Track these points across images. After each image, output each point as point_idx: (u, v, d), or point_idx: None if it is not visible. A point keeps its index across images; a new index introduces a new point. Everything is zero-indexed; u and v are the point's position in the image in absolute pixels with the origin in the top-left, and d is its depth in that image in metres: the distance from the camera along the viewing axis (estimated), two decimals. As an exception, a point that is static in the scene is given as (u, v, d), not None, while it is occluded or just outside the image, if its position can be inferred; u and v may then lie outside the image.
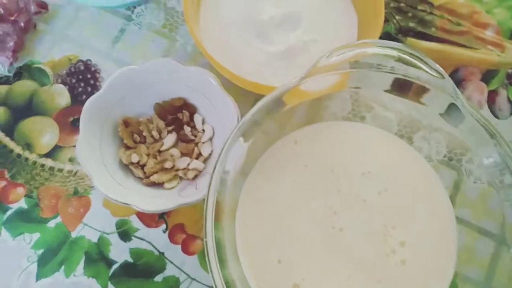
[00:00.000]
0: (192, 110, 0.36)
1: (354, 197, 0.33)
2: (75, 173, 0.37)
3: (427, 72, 0.28)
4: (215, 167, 0.28)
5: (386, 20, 0.40)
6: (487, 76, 0.38)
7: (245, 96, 0.34)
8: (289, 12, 0.35)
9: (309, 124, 0.36)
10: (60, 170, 0.37)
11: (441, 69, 0.28)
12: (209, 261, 0.26)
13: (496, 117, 0.38)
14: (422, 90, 0.30)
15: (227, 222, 0.32)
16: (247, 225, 0.33)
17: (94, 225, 0.35)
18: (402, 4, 0.40)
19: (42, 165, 0.37)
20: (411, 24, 0.39)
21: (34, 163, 0.37)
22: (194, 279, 0.34)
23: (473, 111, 0.29)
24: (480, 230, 0.33)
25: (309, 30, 0.35)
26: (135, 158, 0.35)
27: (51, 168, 0.37)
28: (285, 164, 0.34)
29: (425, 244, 0.32)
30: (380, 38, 0.39)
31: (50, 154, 0.37)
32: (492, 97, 0.38)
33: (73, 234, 0.35)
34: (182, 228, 0.36)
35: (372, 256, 0.32)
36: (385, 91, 0.35)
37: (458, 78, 0.38)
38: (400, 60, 0.28)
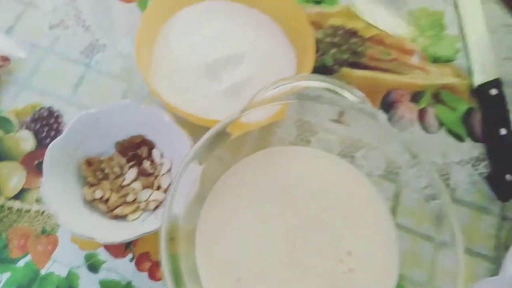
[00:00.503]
0: (150, 145, 0.40)
1: (304, 215, 0.36)
2: (42, 212, 0.39)
3: (346, 97, 0.32)
4: (168, 195, 0.30)
5: (323, 54, 0.44)
6: (416, 96, 0.43)
7: (200, 130, 0.38)
8: (233, 53, 0.39)
9: (259, 149, 0.39)
10: (28, 211, 0.39)
11: (361, 94, 0.32)
12: (168, 283, 0.29)
13: (427, 132, 0.42)
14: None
15: (186, 248, 0.35)
16: (206, 249, 0.35)
17: (63, 260, 0.37)
18: (336, 39, 0.45)
19: (10, 208, 0.39)
20: (345, 56, 0.44)
21: (2, 206, 0.39)
22: (160, 304, 0.36)
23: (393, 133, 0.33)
24: (420, 235, 0.36)
25: (251, 67, 0.39)
26: (98, 194, 0.37)
27: (19, 210, 0.39)
28: (239, 189, 0.37)
29: (370, 252, 0.35)
30: (318, 70, 0.43)
31: (17, 196, 0.39)
32: (422, 115, 0.43)
33: (43, 271, 0.37)
34: (147, 256, 0.38)
35: (324, 267, 0.34)
36: (327, 117, 0.40)
37: (390, 101, 0.43)
38: (327, 89, 0.32)
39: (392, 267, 0.35)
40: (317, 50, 0.42)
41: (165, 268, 0.29)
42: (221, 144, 0.33)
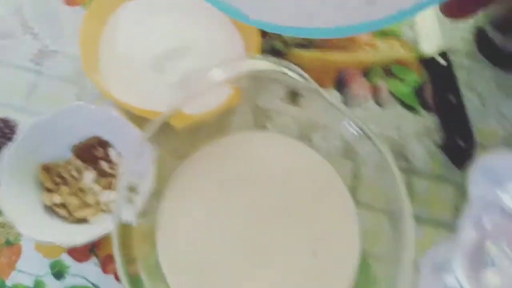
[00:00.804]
0: (106, 146, 0.39)
1: (265, 202, 0.36)
2: (4, 224, 0.39)
3: (294, 78, 0.33)
4: (117, 196, 0.30)
5: (271, 37, 0.44)
6: (368, 73, 0.44)
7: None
8: (180, 45, 0.39)
9: (216, 138, 0.39)
10: (-13, 224, 0.38)
11: (304, 74, 0.32)
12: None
13: (381, 107, 0.43)
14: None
15: (147, 247, 0.35)
16: (168, 245, 0.35)
17: (28, 270, 0.37)
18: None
19: (-32, 222, 0.38)
20: (293, 37, 0.44)
21: (-41, 221, 0.38)
22: (130, 302, 0.36)
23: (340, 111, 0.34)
24: (380, 211, 0.36)
25: (199, 58, 0.39)
26: (57, 199, 0.37)
27: (-22, 223, 0.38)
28: (196, 181, 0.37)
29: (332, 233, 0.36)
30: (268, 52, 0.44)
31: (-24, 211, 0.39)
32: (375, 90, 0.43)
33: (8, 283, 0.36)
34: (112, 258, 0.38)
35: (288, 251, 0.35)
36: (281, 100, 0.40)
37: (342, 79, 0.43)
38: (276, 71, 0.33)
39: (354, 245, 0.36)
40: (265, 34, 0.42)
41: (120, 272, 0.29)
42: (170, 138, 0.33)
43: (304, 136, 0.40)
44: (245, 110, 0.42)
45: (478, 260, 0.34)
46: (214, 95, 0.35)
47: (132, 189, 0.32)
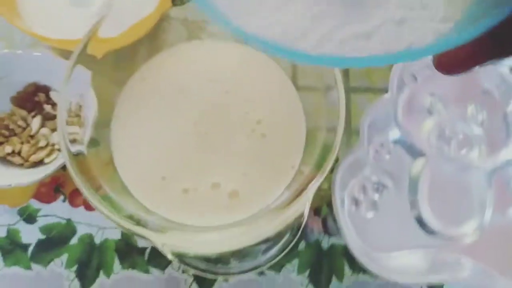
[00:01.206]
0: (46, 89, 0.39)
1: (209, 103, 0.37)
2: (-37, 186, 0.39)
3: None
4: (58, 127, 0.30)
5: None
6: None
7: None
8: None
9: (151, 57, 0.40)
10: None
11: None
12: (97, 208, 0.30)
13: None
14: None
15: (109, 172, 0.36)
16: (126, 165, 0.36)
17: (-2, 223, 0.38)
18: None
19: None
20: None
21: None
22: (104, 228, 0.38)
23: None
24: (319, 89, 0.38)
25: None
26: (8, 149, 0.37)
27: None
28: (140, 100, 0.38)
29: (278, 116, 0.37)
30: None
31: None
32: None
33: (-19, 238, 0.37)
34: (78, 192, 0.38)
35: (238, 141, 0.36)
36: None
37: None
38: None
39: (300, 124, 0.37)
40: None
41: (90, 199, 0.30)
42: (99, 64, 0.33)
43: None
44: (175, 26, 0.42)
45: (415, 111, 0.36)
46: (137, 8, 0.35)
47: (74, 116, 0.32)
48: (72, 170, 0.31)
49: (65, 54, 0.37)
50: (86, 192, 0.31)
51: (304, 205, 0.30)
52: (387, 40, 0.17)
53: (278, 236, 0.41)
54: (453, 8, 0.17)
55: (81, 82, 0.33)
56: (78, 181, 0.31)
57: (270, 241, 0.41)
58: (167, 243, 0.31)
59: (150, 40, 0.41)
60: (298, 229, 0.41)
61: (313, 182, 0.29)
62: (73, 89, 0.32)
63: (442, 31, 0.17)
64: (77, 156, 0.32)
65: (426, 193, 0.35)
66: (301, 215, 0.40)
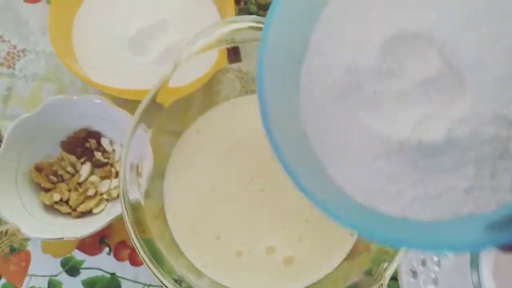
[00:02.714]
0: (97, 136, 0.38)
1: (266, 158, 0.36)
2: (6, 232, 0.37)
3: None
4: (120, 180, 0.30)
5: (246, 2, 0.43)
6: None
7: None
8: (155, 21, 0.38)
9: (206, 111, 0.39)
10: (-11, 234, 0.37)
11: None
12: (146, 264, 0.29)
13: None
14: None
15: (159, 225, 0.34)
16: (180, 220, 0.35)
17: (40, 273, 0.36)
18: (255, -15, 0.45)
19: (-31, 235, 0.37)
20: (269, 0, 0.44)
21: (-40, 235, 0.37)
22: (150, 285, 0.36)
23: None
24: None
25: (177, 32, 0.38)
26: (56, 197, 0.36)
27: (-20, 236, 0.37)
28: (195, 153, 0.37)
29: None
30: (243, 17, 0.43)
31: (-25, 224, 0.37)
32: None
33: (23, 289, 0.36)
34: (124, 244, 0.37)
35: (295, 202, 0.35)
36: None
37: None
38: (251, 28, 0.32)
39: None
40: (239, 1, 0.41)
41: (141, 252, 0.29)
42: (160, 115, 0.32)
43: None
44: (230, 78, 0.42)
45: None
46: (199, 64, 0.34)
47: (133, 170, 0.31)
48: (128, 221, 0.30)
49: (117, 100, 0.37)
50: (138, 246, 0.30)
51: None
52: (451, 204, 0.17)
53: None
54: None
55: (140, 139, 0.32)
56: (132, 232, 0.30)
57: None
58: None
59: (206, 92, 0.40)
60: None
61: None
62: (135, 146, 0.31)
63: (508, 201, 0.17)
64: (134, 206, 0.31)
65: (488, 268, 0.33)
66: None
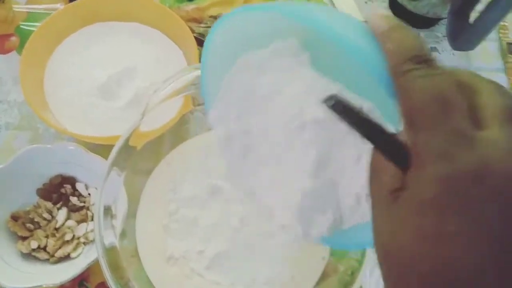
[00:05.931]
0: (72, 181, 0.40)
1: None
2: (-16, 283, 0.38)
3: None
4: (95, 224, 0.31)
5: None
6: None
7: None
8: (123, 68, 0.40)
9: (177, 146, 0.40)
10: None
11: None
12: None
13: None
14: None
15: (136, 266, 0.36)
16: (150, 261, 0.36)
17: (20, 321, 0.36)
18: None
19: None
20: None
21: None
22: (130, 325, 0.37)
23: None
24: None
25: (146, 77, 0.40)
26: (34, 244, 0.37)
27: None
28: (166, 186, 0.38)
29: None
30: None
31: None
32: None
33: (3, 339, 0.36)
34: (104, 285, 0.38)
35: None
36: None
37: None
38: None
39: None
40: (201, 43, 0.44)
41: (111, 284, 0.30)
42: (132, 157, 0.34)
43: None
44: (199, 116, 0.44)
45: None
46: (167, 108, 0.36)
47: (108, 213, 0.33)
48: (104, 265, 0.31)
49: (90, 145, 0.38)
50: None
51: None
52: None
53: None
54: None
55: (114, 182, 0.33)
56: (109, 278, 0.31)
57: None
58: None
59: (176, 130, 0.42)
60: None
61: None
62: (108, 190, 0.33)
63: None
64: (109, 250, 0.32)
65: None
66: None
